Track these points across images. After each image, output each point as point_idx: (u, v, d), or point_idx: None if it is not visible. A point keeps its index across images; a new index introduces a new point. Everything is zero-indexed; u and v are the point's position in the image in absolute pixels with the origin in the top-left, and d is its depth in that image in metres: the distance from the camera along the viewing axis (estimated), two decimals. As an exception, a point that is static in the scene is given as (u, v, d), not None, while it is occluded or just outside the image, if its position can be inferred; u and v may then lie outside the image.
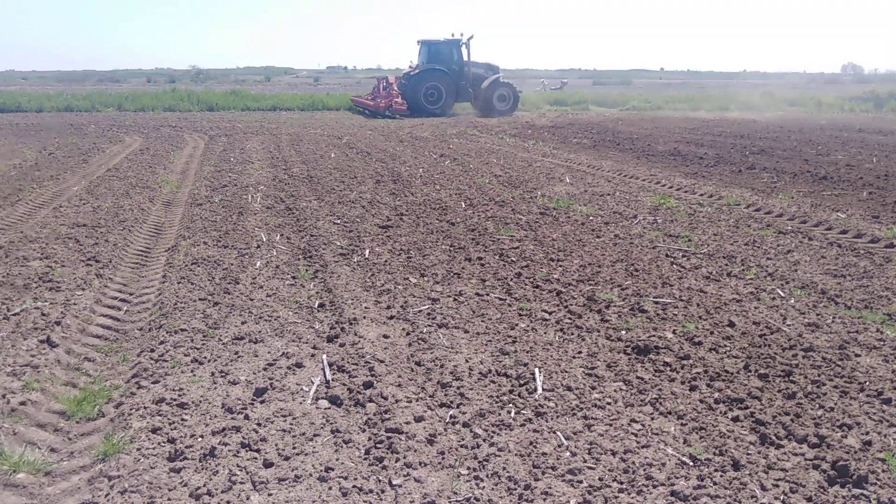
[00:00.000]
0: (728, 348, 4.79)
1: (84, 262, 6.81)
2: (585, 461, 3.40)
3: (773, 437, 3.62)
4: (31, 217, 8.97)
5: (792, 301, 5.79)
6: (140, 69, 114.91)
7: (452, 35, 30.31)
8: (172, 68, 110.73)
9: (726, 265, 6.86)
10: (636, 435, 3.66)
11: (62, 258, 6.90)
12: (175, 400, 4.01)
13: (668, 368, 4.48)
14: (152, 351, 4.75)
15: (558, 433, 3.67)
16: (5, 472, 3.34)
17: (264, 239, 7.87)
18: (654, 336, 4.99)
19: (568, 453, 3.46)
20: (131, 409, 3.92)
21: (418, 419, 3.80)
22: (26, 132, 20.87)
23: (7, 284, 6.03)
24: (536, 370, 4.39)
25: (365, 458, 3.44)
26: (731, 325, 5.23)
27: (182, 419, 3.81)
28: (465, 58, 30.12)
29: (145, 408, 3.93)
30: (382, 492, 3.16)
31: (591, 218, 9.05)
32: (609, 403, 4.02)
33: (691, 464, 3.37)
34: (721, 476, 3.27)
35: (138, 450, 3.50)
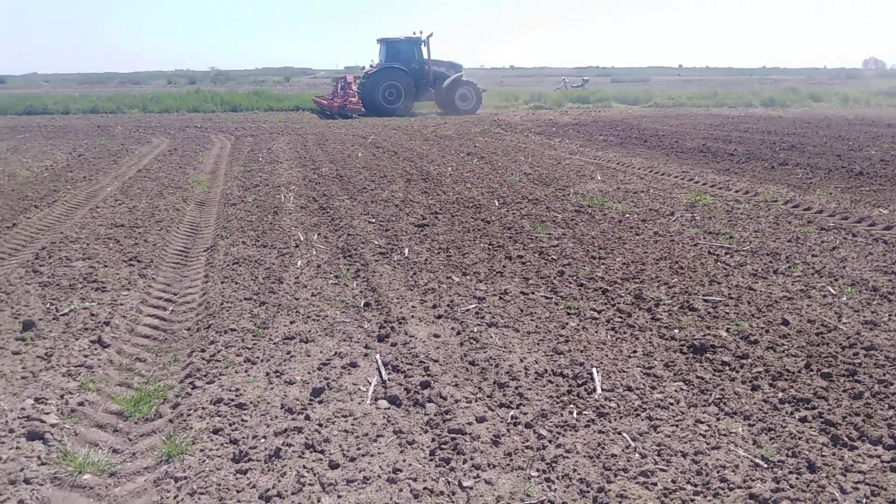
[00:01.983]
0: (786, 347, 4.70)
1: (126, 262, 6.82)
2: (657, 463, 3.33)
3: (846, 439, 3.54)
4: (68, 218, 9.02)
5: (844, 298, 5.69)
6: (160, 71, 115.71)
7: (413, 33, 30.04)
8: (192, 70, 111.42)
9: (771, 262, 6.75)
10: (704, 436, 3.59)
11: (104, 258, 6.92)
12: (233, 400, 3.99)
13: (728, 368, 4.40)
14: (203, 351, 4.74)
15: (624, 434, 3.60)
16: (71, 473, 3.33)
17: (302, 238, 7.85)
18: (708, 335, 4.91)
19: (637, 455, 3.40)
20: (190, 410, 3.90)
21: (480, 420, 3.75)
22: (55, 134, 21.05)
23: (53, 285, 6.05)
24: (594, 370, 4.33)
25: (431, 460, 3.40)
26: (786, 323, 5.13)
27: (242, 420, 3.79)
28: (426, 56, 29.84)
29: (203, 408, 3.91)
30: (453, 493, 3.11)
31: (627, 215, 8.97)
32: (672, 404, 3.95)
33: (765, 465, 3.30)
34: (797, 478, 3.19)
35: (202, 451, 3.48)
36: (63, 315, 5.37)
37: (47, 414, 3.85)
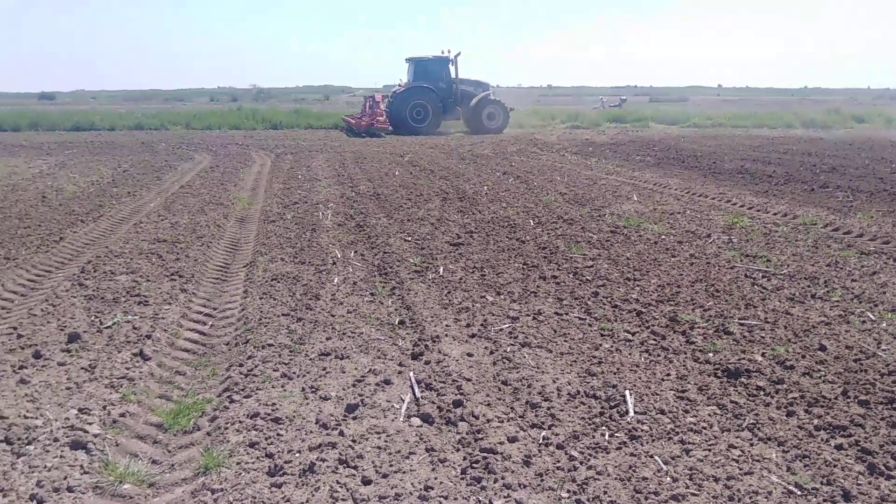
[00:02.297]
0: (822, 373, 4.66)
1: (168, 276, 6.99)
2: (688, 487, 3.33)
3: (883, 468, 3.49)
4: (113, 232, 9.26)
5: (884, 325, 5.61)
6: (203, 88, 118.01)
7: (442, 52, 29.97)
8: (234, 87, 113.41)
9: (809, 287, 6.68)
10: (737, 461, 3.57)
11: (147, 273, 7.10)
12: (269, 415, 4.07)
13: (762, 393, 4.38)
14: (241, 365, 4.84)
15: (656, 457, 3.60)
16: (112, 483, 3.43)
17: (339, 255, 7.97)
18: (743, 359, 4.88)
19: (669, 478, 3.40)
20: (227, 423, 3.99)
21: (511, 440, 3.78)
22: (101, 150, 21.59)
23: (98, 298, 6.23)
24: (627, 392, 4.33)
25: (462, 478, 3.43)
26: (823, 348, 5.08)
27: (278, 434, 3.86)
28: (454, 75, 29.80)
29: (241, 422, 4.00)
30: (484, 512, 3.15)
31: (663, 237, 8.93)
32: (705, 428, 3.94)
33: (798, 493, 3.28)
34: (832, 506, 3.17)
35: (238, 464, 3.56)
36: (107, 328, 5.52)
37: (90, 424, 3.96)
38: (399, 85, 30.80)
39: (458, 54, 29.55)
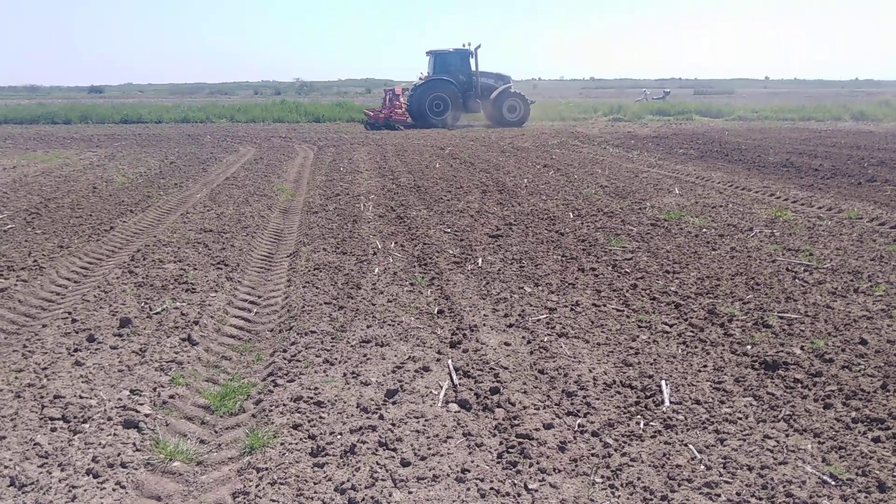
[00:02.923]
0: (862, 366, 4.63)
1: (214, 265, 7.19)
2: (721, 475, 3.37)
3: (920, 460, 3.49)
4: (160, 222, 9.52)
5: (928, 320, 5.54)
6: (247, 81, 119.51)
7: (464, 45, 29.73)
8: (277, 81, 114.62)
9: (852, 281, 6.61)
10: (772, 451, 3.59)
11: (194, 261, 7.30)
12: (312, 398, 4.20)
13: (800, 385, 4.37)
14: (285, 351, 4.99)
15: (690, 446, 3.65)
16: (163, 460, 3.59)
17: (379, 246, 8.09)
18: (781, 352, 4.87)
19: (703, 466, 3.44)
20: (271, 406, 4.13)
21: (547, 426, 3.86)
22: (148, 142, 22.09)
23: (147, 285, 6.44)
24: (663, 382, 4.37)
25: (498, 462, 3.52)
26: (864, 342, 5.05)
27: (320, 417, 3.99)
28: (473, 67, 29.58)
29: (284, 405, 4.14)
30: (519, 495, 3.23)
31: (704, 230, 8.88)
32: (740, 418, 3.96)
33: (833, 483, 3.29)
34: (866, 497, 3.18)
35: (282, 444, 3.69)
36: (156, 314, 5.72)
37: (141, 405, 4.14)
38: (420, 78, 30.68)
39: (479, 47, 29.39)
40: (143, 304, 5.92)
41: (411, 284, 6.63)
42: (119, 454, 3.56)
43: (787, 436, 3.77)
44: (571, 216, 9.85)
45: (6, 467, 3.40)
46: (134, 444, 3.69)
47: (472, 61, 29.71)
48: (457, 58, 29.88)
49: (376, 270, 7.07)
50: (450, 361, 4.75)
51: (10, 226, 9.02)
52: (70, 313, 5.61)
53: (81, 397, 4.17)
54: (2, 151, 18.95)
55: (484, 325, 5.52)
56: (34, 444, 3.62)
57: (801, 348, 4.97)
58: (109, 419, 3.93)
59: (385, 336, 5.26)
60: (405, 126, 28.54)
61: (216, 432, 4.01)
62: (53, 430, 3.80)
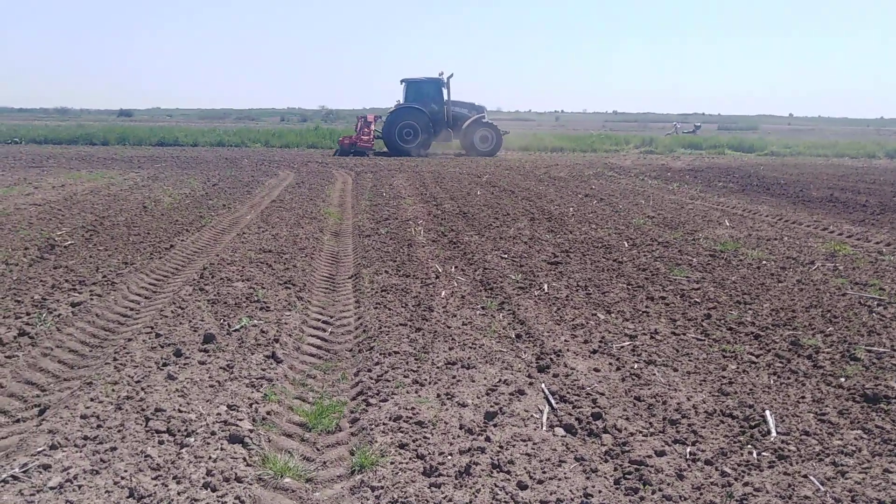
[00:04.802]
0: (967, 402, 4.52)
1: (282, 285, 7.19)
2: (852, 508, 3.28)
3: None
4: (217, 242, 9.57)
5: None
6: (273, 108, 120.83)
7: (441, 74, 29.48)
8: (303, 108, 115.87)
9: (930, 316, 6.49)
10: (897, 485, 3.50)
11: (261, 280, 7.31)
12: (411, 418, 4.16)
13: (907, 419, 4.27)
14: (370, 371, 4.95)
15: (811, 478, 3.56)
16: (274, 476, 3.55)
17: (440, 270, 8.07)
18: (879, 385, 4.77)
19: (831, 499, 3.35)
20: (371, 425, 4.09)
21: (659, 454, 3.78)
22: (188, 164, 22.33)
23: (221, 303, 6.44)
24: (767, 412, 4.28)
25: (617, 488, 3.45)
26: (960, 378, 4.93)
27: (424, 437, 3.94)
28: (446, 97, 29.36)
29: (385, 424, 4.09)
30: (648, 522, 3.15)
31: (764, 262, 8.79)
32: (854, 451, 3.87)
33: (971, 519, 3.19)
34: None
35: (392, 463, 3.64)
36: (235, 331, 5.71)
37: (241, 420, 4.11)
38: (396, 105, 30.31)
39: (451, 76, 29.17)
40: (220, 321, 5.92)
41: (483, 308, 6.59)
42: (232, 468, 3.52)
43: (907, 470, 3.67)
44: (626, 245, 9.79)
45: (123, 479, 3.38)
46: (244, 459, 3.66)
47: (444, 91, 29.48)
48: (429, 86, 29.61)
49: (443, 294, 7.04)
50: (543, 385, 4.69)
51: (70, 242, 9.10)
52: (152, 328, 5.62)
53: (181, 411, 4.15)
54: (48, 170, 19.23)
55: (567, 350, 5.46)
56: (145, 457, 3.59)
57: (898, 382, 4.87)
58: (213, 433, 3.90)
59: (469, 359, 5.22)
60: (373, 153, 28.58)
61: (318, 450, 3.97)
62: (161, 442, 3.78)
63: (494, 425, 4.11)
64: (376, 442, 3.88)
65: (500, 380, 4.80)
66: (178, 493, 3.28)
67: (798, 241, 10.34)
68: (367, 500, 3.34)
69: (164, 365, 4.88)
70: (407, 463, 3.65)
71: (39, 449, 3.63)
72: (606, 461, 3.72)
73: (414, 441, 3.89)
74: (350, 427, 4.20)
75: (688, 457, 3.77)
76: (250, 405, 4.32)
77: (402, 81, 30.06)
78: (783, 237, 10.69)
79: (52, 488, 3.28)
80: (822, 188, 17.81)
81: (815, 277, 8.01)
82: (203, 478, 3.41)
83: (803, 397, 4.62)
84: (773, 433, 4.06)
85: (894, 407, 4.44)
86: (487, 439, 3.90)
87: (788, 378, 4.95)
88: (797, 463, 3.73)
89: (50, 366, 5.01)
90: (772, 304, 6.83)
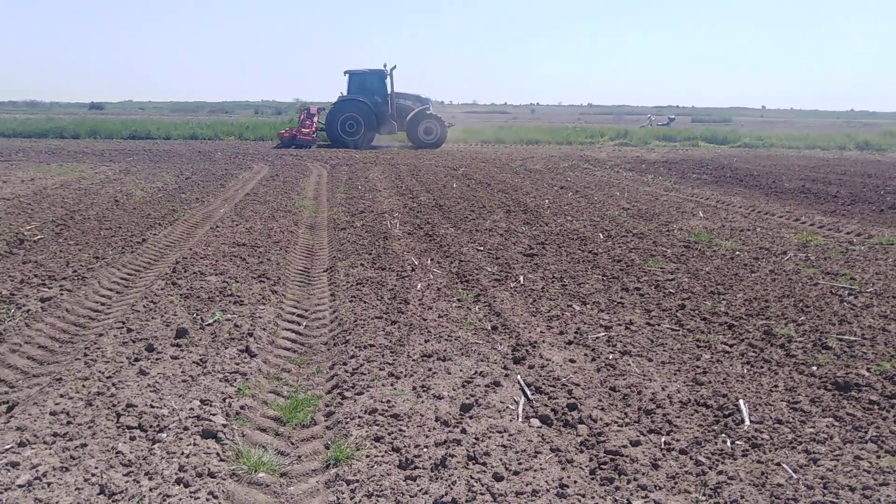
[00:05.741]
0: (935, 389, 4.59)
1: (255, 278, 7.12)
2: (825, 495, 3.30)
3: None
4: (190, 236, 9.46)
5: None
6: (247, 101, 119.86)
7: (384, 66, 29.24)
8: (278, 101, 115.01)
9: (899, 305, 6.58)
10: (869, 472, 3.53)
11: (234, 274, 7.24)
12: (387, 411, 4.14)
13: (877, 407, 4.33)
14: (345, 364, 4.92)
15: (784, 465, 3.59)
16: (247, 471, 3.52)
17: (416, 263, 8.04)
18: (850, 373, 4.83)
19: (803, 486, 3.38)
20: (346, 418, 4.06)
21: (634, 444, 3.80)
22: (160, 158, 22.07)
23: (193, 297, 6.37)
24: (741, 402, 4.31)
25: (593, 478, 3.45)
26: (929, 366, 5.00)
27: (400, 430, 3.92)
28: (389, 89, 29.16)
29: (360, 417, 4.07)
30: (624, 512, 3.16)
31: (737, 253, 8.86)
32: (826, 439, 3.91)
33: (940, 504, 3.24)
34: (978, 519, 3.12)
35: (367, 457, 3.62)
36: (208, 325, 5.65)
37: (214, 415, 4.06)
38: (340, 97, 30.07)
39: (394, 67, 28.93)
40: (193, 316, 5.85)
41: (458, 300, 6.58)
42: (205, 464, 3.48)
43: (878, 457, 3.71)
44: (601, 237, 9.83)
45: (93, 475, 3.32)
46: (217, 454, 3.62)
47: (388, 82, 29.20)
48: (373, 78, 29.31)
49: (419, 286, 7.02)
50: (519, 377, 4.69)
51: (39, 236, 8.95)
52: (124, 323, 5.54)
53: (153, 406, 4.09)
54: (17, 164, 18.90)
55: (543, 341, 5.46)
56: (117, 453, 3.53)
57: (868, 370, 4.93)
58: (186, 429, 3.85)
59: (445, 351, 5.20)
60: (314, 146, 28.36)
61: (293, 444, 3.94)
62: (132, 438, 3.72)
63: (470, 417, 4.10)
64: (351, 435, 3.86)
65: (476, 372, 4.79)
66: (150, 490, 3.23)
67: (770, 232, 10.45)
68: (343, 493, 3.31)
69: (136, 360, 4.81)
70: (382, 456, 3.63)
71: (7, 447, 3.55)
72: (582, 452, 3.73)
73: (389, 434, 3.87)
74: (325, 421, 4.17)
75: (662, 446, 3.79)
76: (224, 400, 4.27)
77: (345, 73, 29.64)
78: (756, 228, 10.79)
79: (20, 486, 3.21)
80: (794, 179, 18.01)
81: (787, 267, 8.09)
82: (175, 473, 3.36)
83: (776, 386, 4.66)
84: (747, 422, 4.09)
85: (865, 394, 4.50)
86: (463, 431, 3.89)
87: (761, 367, 4.99)
88: (770, 451, 3.76)
89: (19, 362, 4.92)
90: (745, 294, 6.89)
